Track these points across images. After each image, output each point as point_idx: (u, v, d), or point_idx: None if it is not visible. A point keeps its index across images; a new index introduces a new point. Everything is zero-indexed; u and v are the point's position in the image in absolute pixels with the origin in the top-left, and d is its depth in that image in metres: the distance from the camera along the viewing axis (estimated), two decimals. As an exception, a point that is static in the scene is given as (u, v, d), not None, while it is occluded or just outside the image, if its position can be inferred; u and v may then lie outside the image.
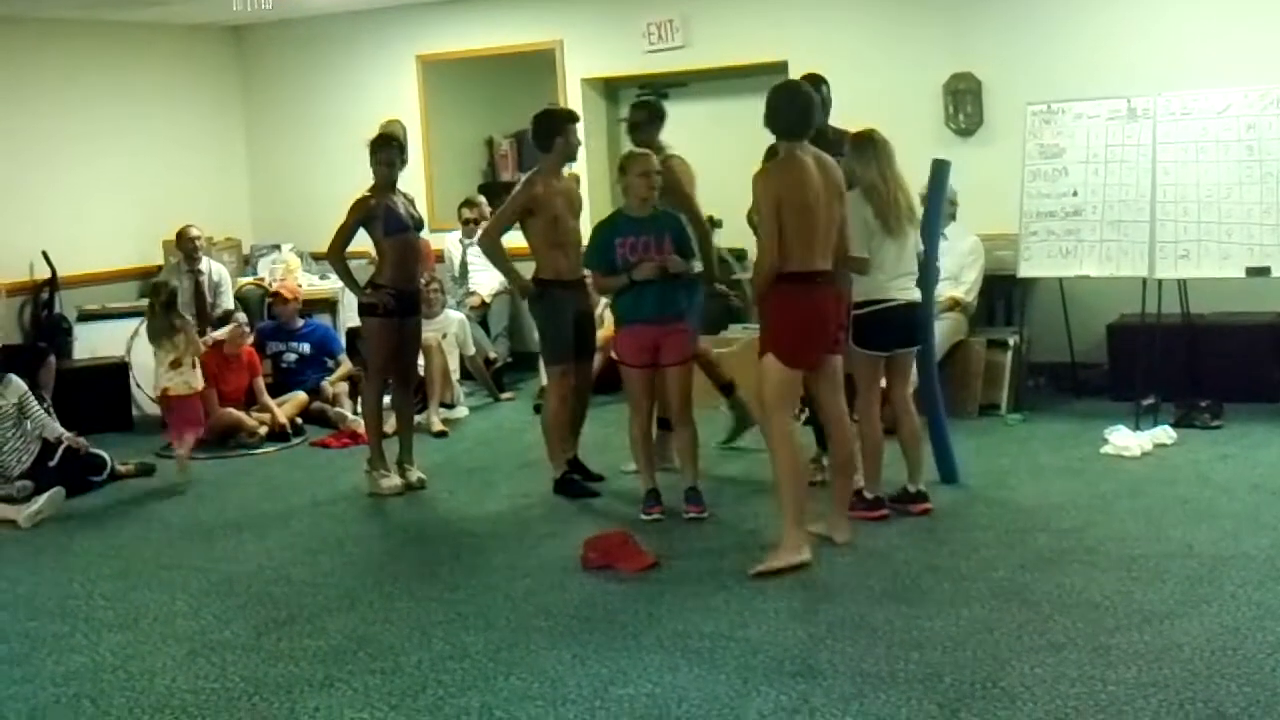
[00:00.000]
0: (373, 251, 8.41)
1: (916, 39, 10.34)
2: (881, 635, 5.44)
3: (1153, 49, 9.48)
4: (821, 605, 5.83)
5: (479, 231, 9.18)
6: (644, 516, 7.33)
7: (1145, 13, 9.56)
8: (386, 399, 8.57)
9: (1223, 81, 8.89)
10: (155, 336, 9.10)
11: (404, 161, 8.39)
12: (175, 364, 9.01)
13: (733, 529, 7.08)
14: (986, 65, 10.13)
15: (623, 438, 9.30)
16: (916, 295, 7.15)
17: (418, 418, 9.49)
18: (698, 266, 7.62)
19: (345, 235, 8.20)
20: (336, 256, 8.22)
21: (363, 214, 8.13)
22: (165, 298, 9.15)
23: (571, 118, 8.12)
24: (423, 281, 8.56)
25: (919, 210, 7.22)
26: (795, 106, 6.35)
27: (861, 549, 6.59)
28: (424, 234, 8.68)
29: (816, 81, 7.43)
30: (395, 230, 8.12)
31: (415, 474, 8.40)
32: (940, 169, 7.59)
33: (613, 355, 8.03)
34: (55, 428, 8.69)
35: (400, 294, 8.15)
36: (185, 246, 10.95)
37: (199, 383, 9.18)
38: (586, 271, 7.89)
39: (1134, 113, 8.98)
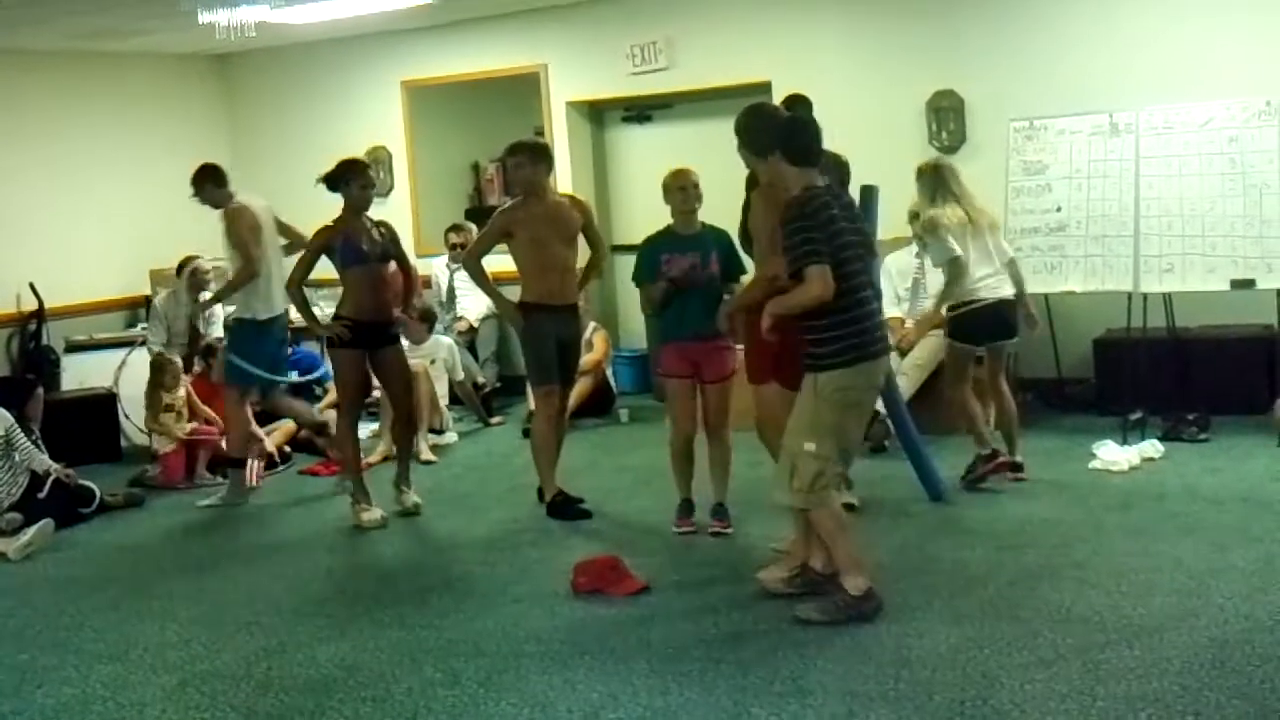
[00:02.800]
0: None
1: (899, 57, 10.36)
2: (871, 654, 5.45)
3: (1134, 64, 9.51)
4: (811, 626, 5.82)
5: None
6: (675, 529, 7.42)
7: (1126, 28, 9.59)
8: (365, 431, 8.55)
9: (1204, 95, 8.93)
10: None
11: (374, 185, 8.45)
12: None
13: (724, 551, 7.08)
14: (969, 82, 10.15)
15: (611, 460, 9.37)
16: (1005, 293, 8.03)
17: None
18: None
19: (303, 267, 8.24)
20: (294, 287, 8.27)
21: (320, 245, 8.14)
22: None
23: (511, 150, 8.18)
24: (397, 311, 8.47)
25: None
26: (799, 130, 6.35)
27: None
28: (411, 259, 8.67)
29: (800, 101, 7.45)
30: (353, 262, 8.08)
31: (412, 498, 8.38)
32: (868, 193, 7.55)
33: (656, 371, 8.43)
34: (43, 460, 8.69)
35: (361, 325, 8.08)
36: (195, 279, 10.73)
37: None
38: (582, 300, 8.11)
39: (1116, 128, 9.01)
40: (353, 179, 8.14)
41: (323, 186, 8.15)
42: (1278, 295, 8.70)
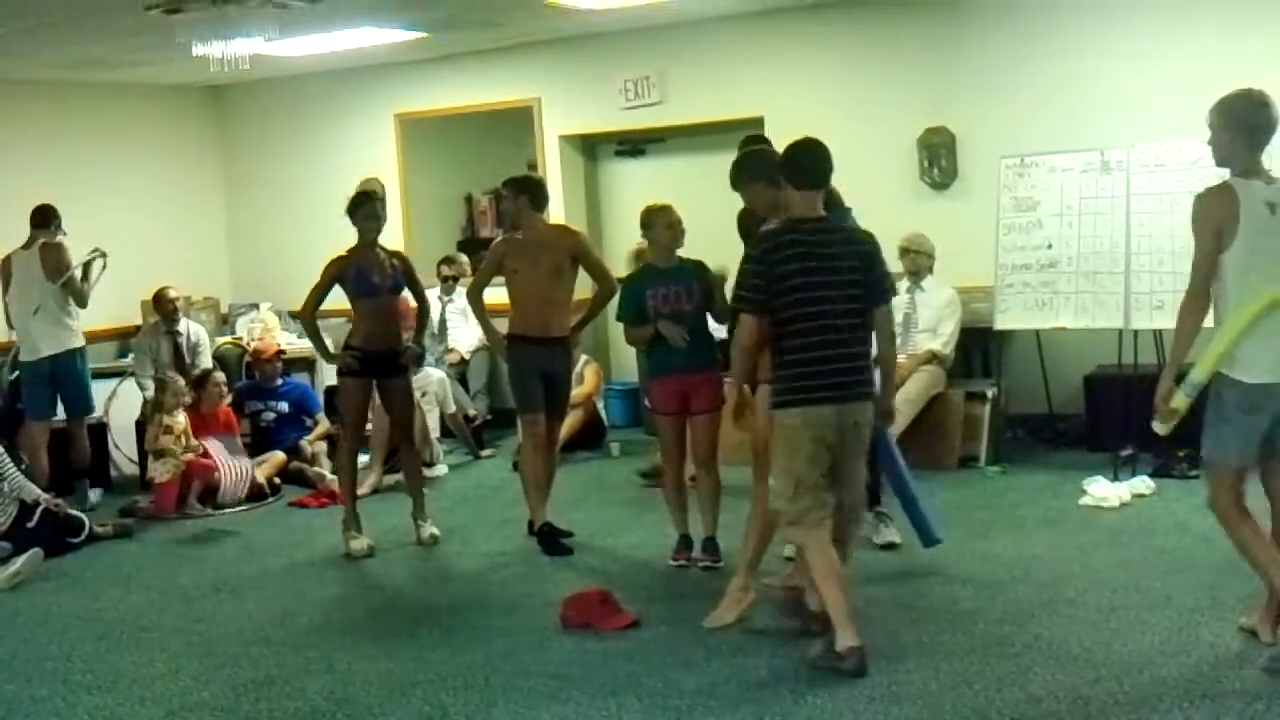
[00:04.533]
0: (348, 308, 8.50)
1: (890, 93, 10.40)
2: (861, 689, 5.43)
3: (1125, 101, 9.54)
4: (802, 660, 5.81)
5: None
6: (671, 562, 7.46)
7: (1117, 66, 9.62)
8: (362, 460, 8.59)
9: (1195, 133, 8.83)
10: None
11: (384, 218, 8.49)
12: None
13: (715, 585, 7.03)
14: (960, 119, 10.19)
15: (602, 493, 9.37)
16: None
17: (396, 477, 9.48)
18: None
19: (316, 296, 8.33)
20: (307, 317, 8.35)
21: (333, 275, 8.24)
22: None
23: (506, 183, 8.37)
24: (413, 342, 8.54)
25: None
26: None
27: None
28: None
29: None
30: (363, 293, 8.19)
31: (428, 530, 8.41)
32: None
33: (645, 403, 8.54)
34: (33, 489, 8.67)
35: (369, 355, 8.17)
36: (164, 308, 10.93)
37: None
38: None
39: (1107, 165, 9.04)
40: (355, 211, 8.28)
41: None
42: (1268, 333, 8.70)
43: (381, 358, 8.23)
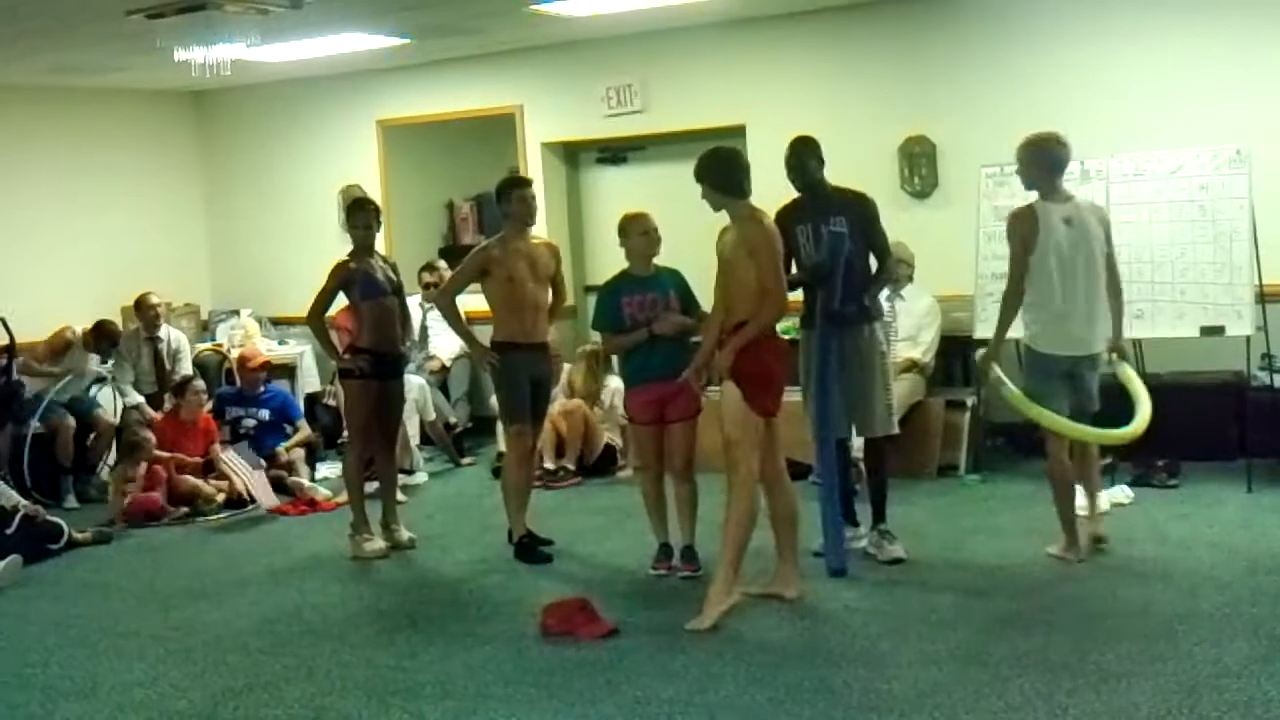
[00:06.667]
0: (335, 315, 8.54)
1: (871, 102, 10.42)
2: (840, 698, 5.44)
3: (1105, 111, 9.56)
4: (780, 668, 5.82)
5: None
6: (651, 571, 7.45)
7: (1097, 75, 9.65)
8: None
9: (1175, 143, 8.99)
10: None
11: (379, 224, 8.49)
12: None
13: (694, 593, 7.04)
14: (941, 128, 10.22)
15: (582, 500, 9.36)
16: None
17: (373, 485, 9.46)
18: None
19: (324, 300, 8.33)
20: (316, 321, 8.33)
21: (341, 278, 8.24)
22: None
23: (513, 184, 8.27)
24: (405, 345, 8.57)
25: None
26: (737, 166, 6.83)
27: (820, 611, 6.60)
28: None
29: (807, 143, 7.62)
30: (371, 295, 8.22)
31: (404, 533, 8.45)
32: (836, 241, 7.43)
33: (621, 415, 8.56)
34: (12, 496, 8.65)
35: (378, 357, 8.22)
36: (145, 315, 10.94)
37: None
38: (553, 337, 8.09)
39: (1087, 174, 9.04)
40: (348, 219, 8.45)
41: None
42: (1247, 342, 8.75)
43: (386, 359, 8.31)
